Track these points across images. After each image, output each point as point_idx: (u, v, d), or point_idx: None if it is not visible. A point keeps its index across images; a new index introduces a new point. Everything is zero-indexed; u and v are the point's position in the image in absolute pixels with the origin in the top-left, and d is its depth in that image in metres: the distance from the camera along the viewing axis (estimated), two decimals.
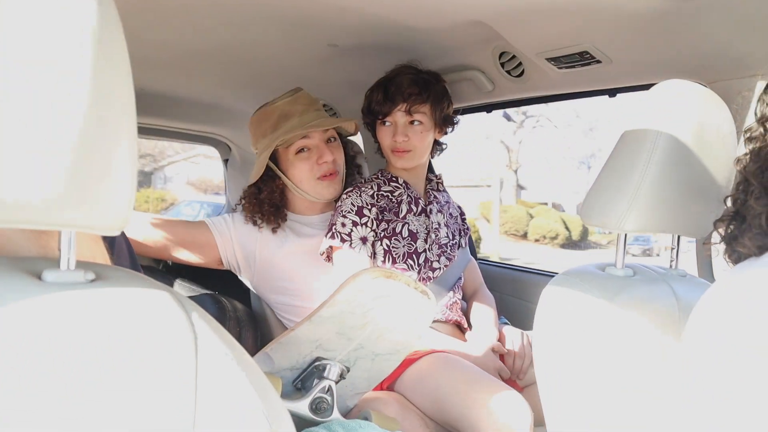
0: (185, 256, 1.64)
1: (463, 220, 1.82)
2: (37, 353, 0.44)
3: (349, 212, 1.52)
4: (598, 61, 1.35)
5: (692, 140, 0.96)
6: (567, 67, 1.43)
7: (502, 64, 1.58)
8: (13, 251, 0.56)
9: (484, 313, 1.65)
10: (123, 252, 1.10)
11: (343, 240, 1.48)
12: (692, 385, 0.77)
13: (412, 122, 1.55)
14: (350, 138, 1.86)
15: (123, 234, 1.02)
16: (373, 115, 1.59)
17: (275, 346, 1.06)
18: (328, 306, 1.00)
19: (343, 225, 1.50)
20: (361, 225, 1.51)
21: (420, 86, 1.54)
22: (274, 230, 1.65)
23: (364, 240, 1.50)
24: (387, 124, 1.57)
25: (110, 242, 0.87)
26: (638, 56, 1.30)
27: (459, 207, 1.85)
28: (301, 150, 1.60)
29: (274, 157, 1.64)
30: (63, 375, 0.44)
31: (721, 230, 0.80)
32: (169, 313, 0.53)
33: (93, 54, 0.46)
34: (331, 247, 1.53)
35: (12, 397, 0.42)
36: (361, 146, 2.31)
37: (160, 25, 1.50)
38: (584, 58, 1.35)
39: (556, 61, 1.41)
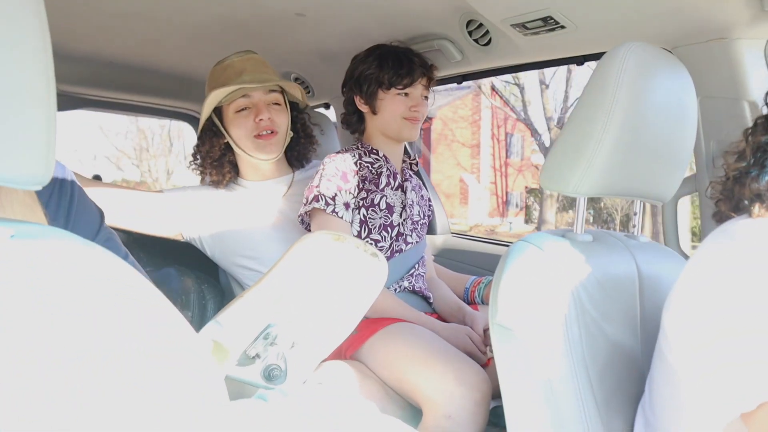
0: (144, 226, 1.62)
1: (430, 205, 1.81)
2: None
3: (334, 176, 1.49)
4: (563, 27, 1.33)
5: (652, 104, 0.93)
6: (533, 34, 1.40)
7: (470, 33, 1.56)
8: None
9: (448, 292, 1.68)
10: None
11: (327, 203, 1.46)
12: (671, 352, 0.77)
13: (425, 96, 1.60)
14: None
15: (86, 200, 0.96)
16: (389, 86, 1.55)
17: (226, 313, 1.04)
18: (276, 270, 0.98)
19: (328, 188, 1.47)
20: (345, 191, 1.49)
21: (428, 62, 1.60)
22: (226, 190, 1.69)
23: (347, 206, 1.48)
24: (406, 94, 1.56)
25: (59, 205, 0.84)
26: (602, 21, 1.28)
27: (427, 191, 1.83)
28: (242, 109, 1.61)
29: (220, 115, 1.65)
30: None
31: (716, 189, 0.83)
32: (84, 266, 0.51)
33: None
34: (310, 211, 1.50)
35: None
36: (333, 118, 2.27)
37: None
38: (549, 24, 1.33)
39: (521, 27, 1.39)
